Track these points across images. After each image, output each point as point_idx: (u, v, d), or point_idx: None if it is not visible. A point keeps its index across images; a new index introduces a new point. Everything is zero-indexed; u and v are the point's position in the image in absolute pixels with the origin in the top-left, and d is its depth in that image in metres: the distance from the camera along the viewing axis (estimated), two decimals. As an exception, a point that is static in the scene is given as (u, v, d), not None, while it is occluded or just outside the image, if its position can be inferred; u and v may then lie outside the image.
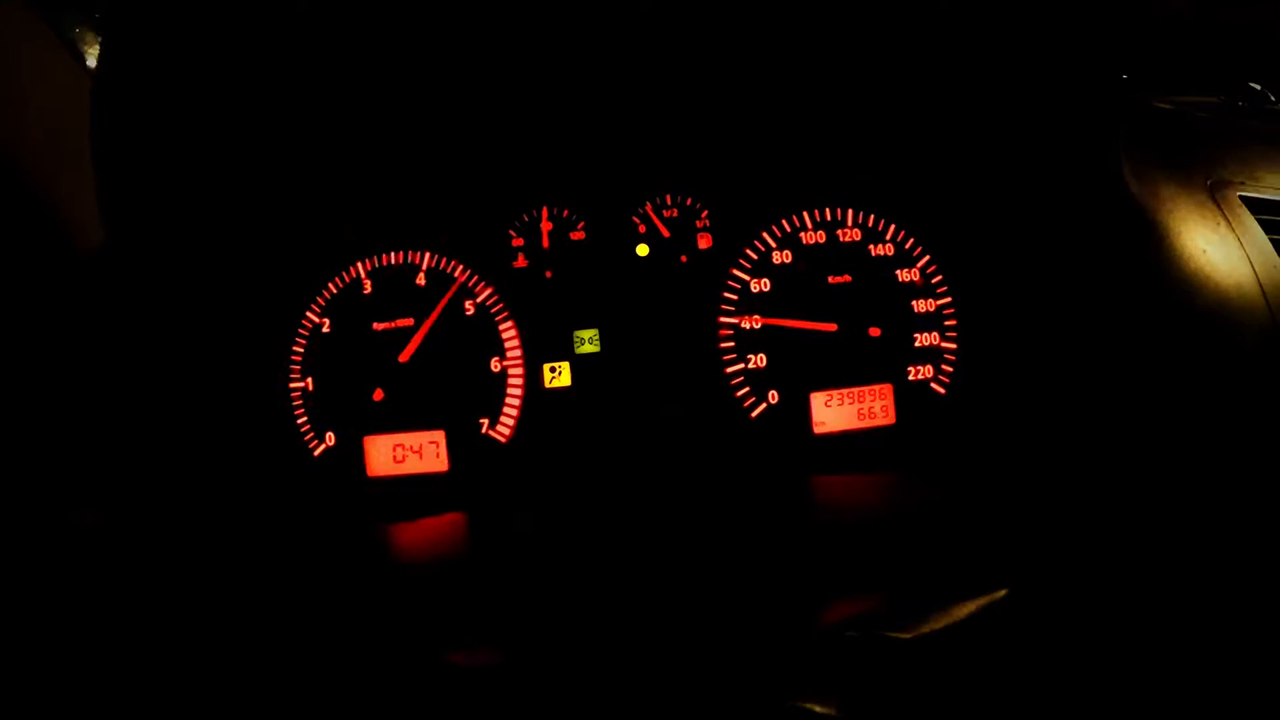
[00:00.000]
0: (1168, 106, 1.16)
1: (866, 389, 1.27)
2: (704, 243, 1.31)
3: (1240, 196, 1.13)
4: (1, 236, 1.05)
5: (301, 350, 1.27)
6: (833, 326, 1.27)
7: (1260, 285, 1.05)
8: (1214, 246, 1.08)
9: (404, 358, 1.26)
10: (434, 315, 1.27)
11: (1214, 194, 1.13)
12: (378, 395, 1.26)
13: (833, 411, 1.27)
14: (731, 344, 1.28)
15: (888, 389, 1.27)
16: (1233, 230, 1.09)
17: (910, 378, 1.28)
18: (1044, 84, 1.19)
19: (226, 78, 1.10)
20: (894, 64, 1.21)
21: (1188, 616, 0.79)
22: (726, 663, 0.73)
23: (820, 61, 1.20)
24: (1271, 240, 1.09)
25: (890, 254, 1.30)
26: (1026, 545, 0.87)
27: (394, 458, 1.26)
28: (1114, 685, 0.73)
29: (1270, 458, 0.98)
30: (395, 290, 1.28)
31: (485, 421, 1.27)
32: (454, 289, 1.28)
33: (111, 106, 1.02)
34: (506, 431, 1.27)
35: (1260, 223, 1.10)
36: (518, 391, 1.28)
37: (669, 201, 1.32)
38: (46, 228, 1.08)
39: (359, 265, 1.29)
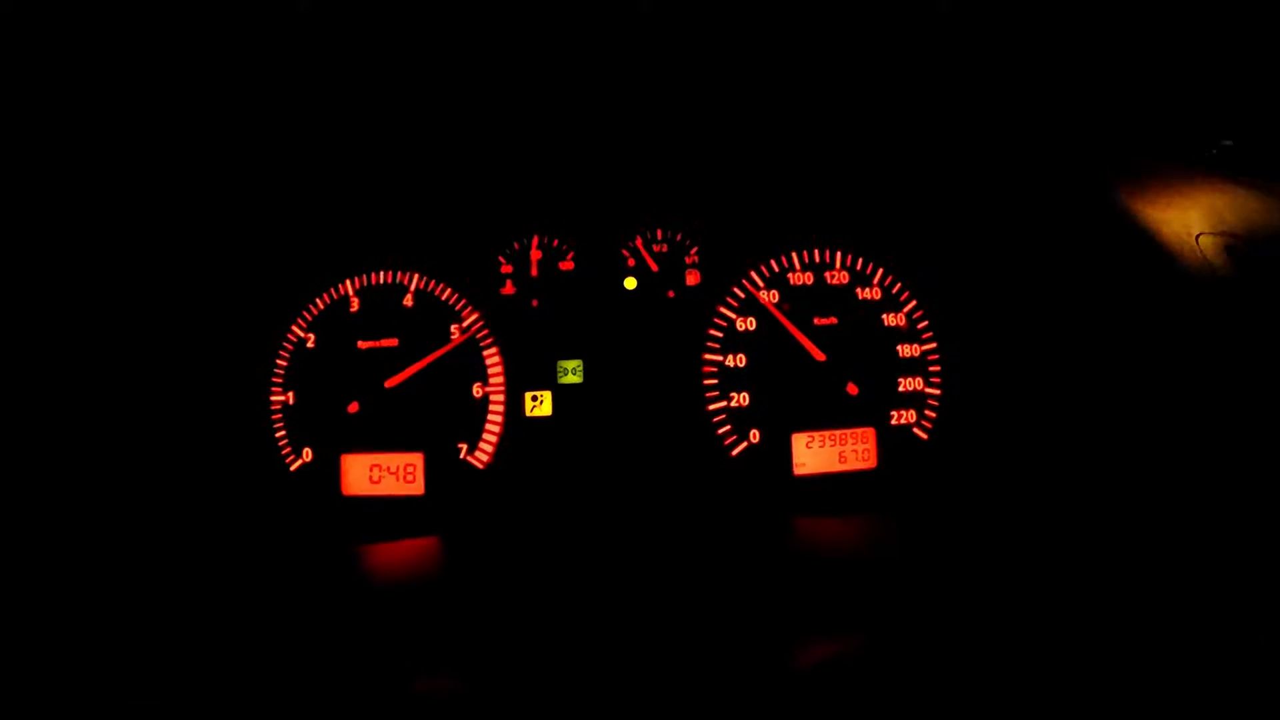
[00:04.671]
0: (1150, 160, 1.17)
1: (849, 431, 1.26)
2: (692, 279, 1.32)
3: (1226, 247, 1.13)
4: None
5: (285, 364, 1.28)
6: (822, 357, 1.27)
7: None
8: (1194, 291, 1.08)
9: (391, 384, 1.26)
10: (436, 354, 1.27)
11: (1196, 242, 1.14)
12: (355, 410, 1.26)
13: (814, 453, 1.26)
14: (715, 381, 1.28)
15: (870, 433, 1.26)
16: (1214, 275, 1.09)
17: (893, 422, 1.27)
18: (1033, 136, 1.21)
19: (232, 102, 1.13)
20: (885, 114, 1.23)
21: (1170, 667, 0.78)
22: (696, 695, 0.72)
23: (813, 106, 1.22)
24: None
25: (877, 298, 1.30)
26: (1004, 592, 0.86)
27: (370, 478, 1.25)
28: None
29: (1241, 498, 0.97)
30: (382, 310, 1.29)
31: (464, 446, 1.26)
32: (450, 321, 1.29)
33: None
34: (485, 458, 1.26)
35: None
36: (498, 418, 1.27)
37: (659, 236, 1.33)
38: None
39: (347, 283, 1.30)
